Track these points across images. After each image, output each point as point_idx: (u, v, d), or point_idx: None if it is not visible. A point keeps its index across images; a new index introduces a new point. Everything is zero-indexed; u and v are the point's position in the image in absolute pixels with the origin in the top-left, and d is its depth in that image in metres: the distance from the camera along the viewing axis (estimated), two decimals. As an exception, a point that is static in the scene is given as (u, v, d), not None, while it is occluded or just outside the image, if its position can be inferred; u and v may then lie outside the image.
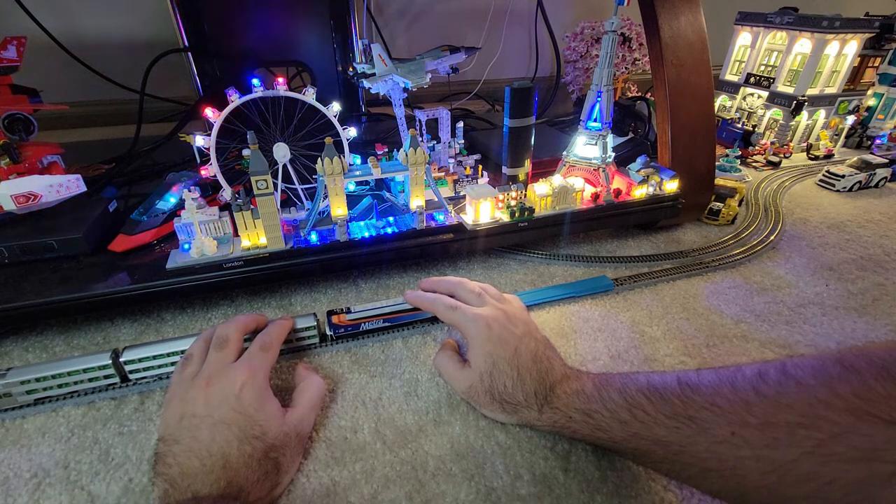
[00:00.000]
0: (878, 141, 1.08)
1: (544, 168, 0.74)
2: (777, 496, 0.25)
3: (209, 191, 0.63)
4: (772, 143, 1.06)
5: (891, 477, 0.21)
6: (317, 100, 0.55)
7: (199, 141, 0.52)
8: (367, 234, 0.56)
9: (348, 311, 0.49)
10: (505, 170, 0.67)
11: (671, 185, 0.66)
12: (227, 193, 0.56)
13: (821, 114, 1.07)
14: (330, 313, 0.49)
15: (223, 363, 0.38)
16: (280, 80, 0.53)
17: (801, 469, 0.24)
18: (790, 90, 1.03)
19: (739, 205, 0.78)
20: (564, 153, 0.68)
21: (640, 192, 0.66)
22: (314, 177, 0.56)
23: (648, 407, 0.31)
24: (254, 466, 0.32)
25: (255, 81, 0.52)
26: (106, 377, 0.43)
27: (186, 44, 0.90)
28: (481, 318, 0.41)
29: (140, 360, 0.43)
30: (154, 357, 0.43)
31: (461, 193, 0.65)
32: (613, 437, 0.33)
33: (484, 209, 0.58)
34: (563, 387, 0.37)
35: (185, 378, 0.37)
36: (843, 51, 0.99)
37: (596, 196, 0.64)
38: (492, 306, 0.44)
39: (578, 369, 0.40)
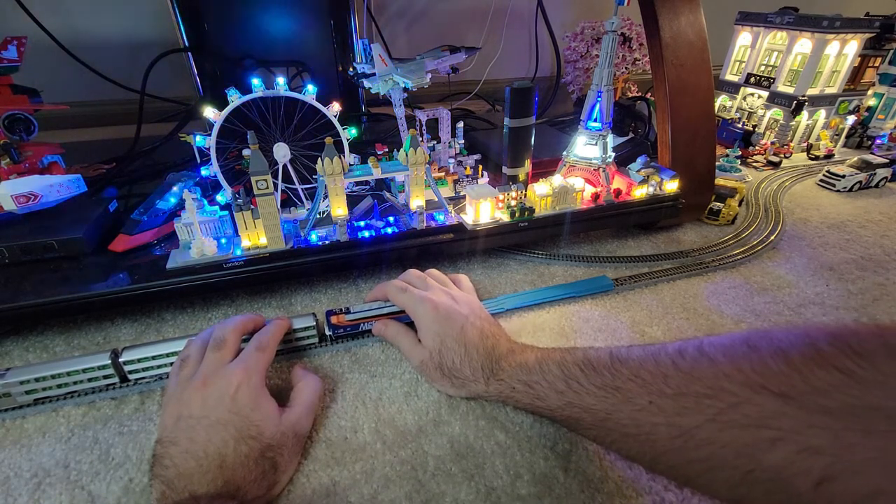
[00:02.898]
0: (878, 141, 1.08)
1: (544, 168, 0.74)
2: (681, 458, 0.28)
3: (209, 191, 0.63)
4: (772, 143, 1.06)
5: (774, 442, 0.24)
6: (317, 100, 0.55)
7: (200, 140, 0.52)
8: (367, 234, 0.56)
9: (347, 312, 0.49)
10: (505, 170, 0.67)
11: (671, 185, 0.66)
12: (221, 197, 0.56)
13: (821, 114, 1.07)
14: (329, 313, 0.49)
15: (219, 364, 0.38)
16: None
17: (702, 434, 0.27)
18: (790, 90, 1.03)
19: (739, 205, 0.78)
20: (564, 153, 0.68)
21: (640, 192, 0.66)
22: (314, 177, 0.56)
23: (582, 378, 0.35)
24: (250, 466, 0.32)
25: (255, 82, 0.52)
26: (105, 377, 0.43)
27: (186, 44, 0.90)
28: (428, 300, 0.45)
29: (139, 361, 0.43)
30: (153, 357, 0.43)
31: (461, 193, 0.65)
32: (550, 405, 0.36)
33: (484, 209, 0.58)
34: (508, 360, 0.40)
35: (182, 379, 0.37)
36: (844, 51, 0.99)
37: (596, 196, 0.64)
38: (437, 289, 0.48)
39: (524, 344, 0.43)
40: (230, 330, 0.41)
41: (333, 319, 0.48)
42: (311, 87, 0.54)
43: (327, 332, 0.49)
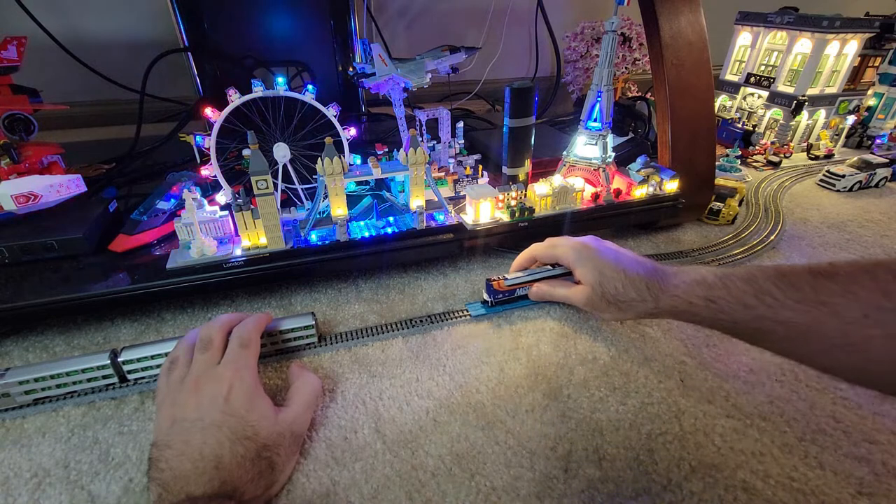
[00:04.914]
0: (878, 141, 1.08)
1: (544, 168, 0.74)
2: None
3: (209, 191, 0.63)
4: (772, 143, 1.06)
5: None
6: (316, 100, 0.55)
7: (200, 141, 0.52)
8: (367, 234, 0.56)
9: (505, 279, 0.53)
10: (505, 170, 0.67)
11: (671, 185, 0.66)
12: (221, 197, 0.56)
13: (821, 114, 1.07)
14: (489, 281, 0.53)
15: (209, 365, 0.38)
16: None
17: None
18: (790, 90, 1.03)
19: (739, 205, 0.78)
20: (564, 153, 0.68)
21: (640, 192, 0.66)
22: (314, 177, 0.56)
23: (777, 293, 0.34)
24: (247, 466, 0.32)
25: (256, 83, 0.52)
26: (104, 377, 0.43)
27: (186, 44, 0.90)
28: (577, 242, 0.50)
29: (138, 360, 0.43)
30: (152, 357, 0.43)
31: (461, 193, 0.65)
32: (735, 318, 0.36)
33: (484, 209, 0.58)
34: (678, 277, 0.42)
35: (173, 382, 0.37)
36: (844, 50, 0.99)
37: (596, 196, 0.64)
38: (578, 238, 0.51)
39: (688, 266, 0.44)
40: (216, 330, 0.41)
41: (494, 284, 0.52)
42: (310, 87, 0.54)
43: (487, 298, 0.53)
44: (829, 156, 1.06)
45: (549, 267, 0.54)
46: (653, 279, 0.43)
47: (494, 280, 0.53)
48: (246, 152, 0.54)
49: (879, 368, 0.30)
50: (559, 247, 0.51)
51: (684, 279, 0.41)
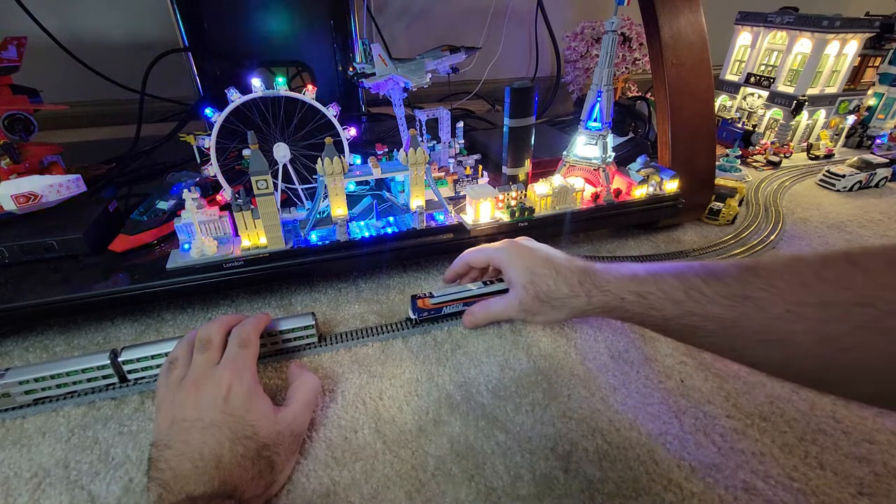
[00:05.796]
0: (878, 141, 1.08)
1: (544, 168, 0.74)
2: (821, 363, 0.28)
3: (209, 191, 0.63)
4: (772, 143, 1.06)
5: None
6: (316, 100, 0.55)
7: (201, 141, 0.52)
8: (367, 234, 0.56)
9: (431, 296, 0.51)
10: (505, 170, 0.67)
11: (671, 185, 0.66)
12: (227, 194, 0.56)
13: (821, 113, 1.07)
14: (414, 298, 0.51)
15: (208, 365, 0.38)
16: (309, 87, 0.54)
17: (850, 340, 0.27)
18: (790, 90, 1.03)
19: (739, 205, 0.78)
20: (564, 153, 0.68)
21: (640, 192, 0.66)
22: (314, 177, 0.56)
23: (704, 288, 0.34)
24: (247, 466, 0.32)
25: (255, 82, 0.52)
26: (105, 377, 0.43)
27: (186, 44, 0.90)
28: (504, 243, 0.48)
29: (138, 360, 0.43)
30: (152, 357, 0.43)
31: (461, 193, 0.65)
32: (665, 315, 0.36)
33: (484, 209, 0.58)
34: (609, 273, 0.41)
35: (172, 382, 0.37)
36: (844, 50, 0.99)
37: (596, 196, 0.64)
38: (508, 239, 0.50)
39: (616, 262, 0.43)
40: (215, 330, 0.40)
41: (419, 303, 0.50)
42: (310, 87, 0.54)
43: (412, 316, 0.51)
44: (829, 156, 1.06)
45: (482, 283, 0.52)
46: (584, 274, 0.42)
47: (420, 298, 0.51)
48: (246, 152, 0.54)
49: (803, 364, 0.30)
50: (488, 247, 0.50)
51: (616, 275, 0.41)
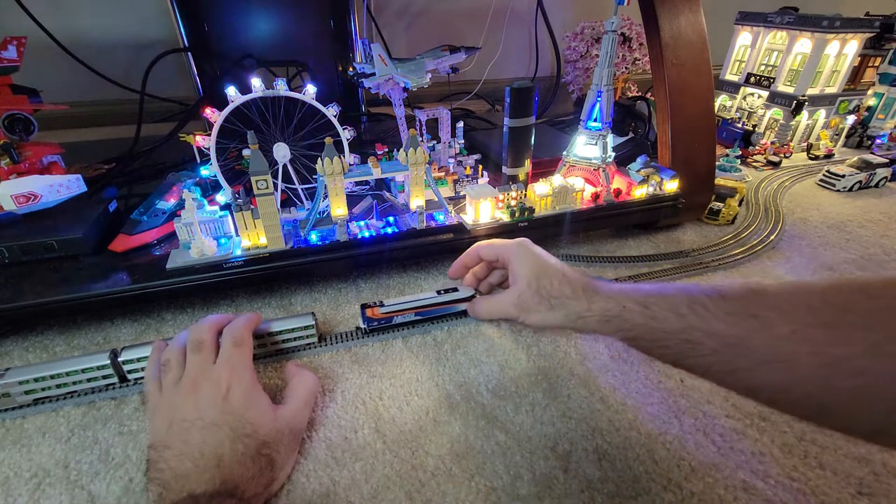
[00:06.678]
0: (878, 141, 1.08)
1: (544, 168, 0.74)
2: (824, 386, 0.28)
3: (209, 191, 0.63)
4: (772, 143, 1.06)
5: None
6: (316, 100, 0.55)
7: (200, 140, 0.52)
8: (367, 234, 0.56)
9: (381, 305, 0.50)
10: (505, 170, 0.67)
11: (671, 185, 0.66)
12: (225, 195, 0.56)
13: (821, 113, 1.07)
14: (364, 307, 0.50)
15: (204, 365, 0.38)
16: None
17: (855, 364, 0.26)
18: (790, 90, 1.03)
19: (739, 205, 0.78)
20: (564, 153, 0.68)
21: (640, 192, 0.66)
22: (314, 177, 0.56)
23: (709, 304, 0.33)
24: (247, 464, 0.33)
25: (255, 82, 0.52)
26: (105, 377, 0.43)
27: (186, 44, 0.90)
28: (516, 240, 0.47)
29: (138, 360, 0.43)
30: (154, 357, 0.43)
31: (461, 193, 0.65)
32: (667, 327, 0.35)
33: (484, 209, 0.58)
34: (613, 285, 0.40)
35: (168, 384, 0.37)
36: (844, 50, 0.99)
37: (596, 196, 0.64)
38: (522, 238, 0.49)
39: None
40: (206, 330, 0.40)
41: (368, 312, 0.49)
42: (310, 87, 0.54)
43: (362, 325, 0.49)
44: (829, 156, 1.06)
45: (435, 292, 0.51)
46: (589, 284, 0.41)
47: (369, 307, 0.49)
48: (246, 152, 0.54)
49: (806, 388, 0.29)
50: (501, 242, 0.49)
51: (620, 286, 0.40)
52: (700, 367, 0.35)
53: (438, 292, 0.51)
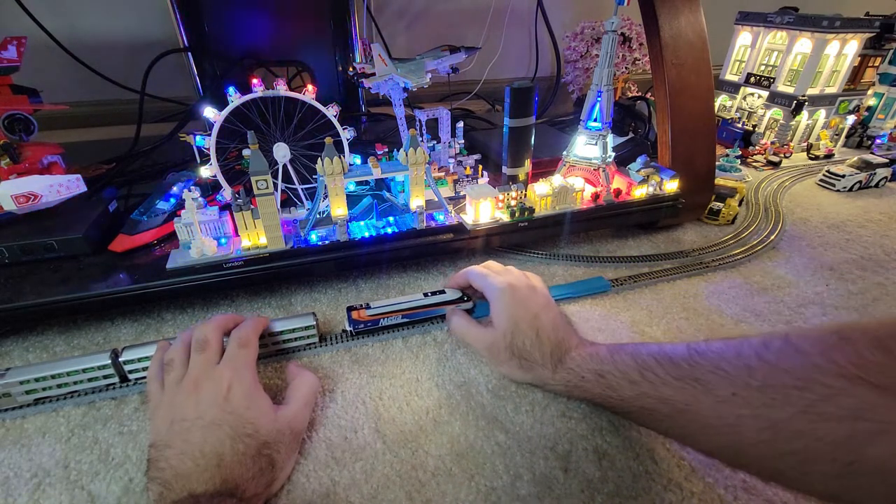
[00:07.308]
0: (878, 141, 1.08)
1: (544, 168, 0.74)
2: (771, 451, 0.27)
3: (209, 191, 0.63)
4: (772, 143, 1.06)
5: (874, 435, 0.23)
6: (316, 100, 0.55)
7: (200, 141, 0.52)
8: (367, 234, 0.56)
9: (367, 307, 0.49)
10: (505, 170, 0.67)
11: (671, 185, 0.66)
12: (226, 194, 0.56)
13: (821, 114, 1.07)
14: (349, 309, 0.49)
15: (207, 365, 0.38)
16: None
17: (794, 426, 0.26)
18: (790, 90, 1.03)
19: (739, 205, 0.78)
20: (564, 153, 0.68)
21: (640, 192, 0.66)
22: (314, 177, 0.56)
23: (658, 369, 0.34)
24: (248, 464, 0.33)
25: (255, 81, 0.52)
26: (105, 377, 0.43)
27: (186, 44, 0.90)
28: (507, 284, 0.46)
29: (139, 360, 0.43)
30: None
31: (461, 193, 0.65)
32: (622, 395, 0.36)
33: (484, 209, 0.58)
34: (577, 351, 0.41)
35: (170, 384, 0.37)
36: (844, 50, 0.99)
37: (596, 196, 0.64)
38: (517, 276, 0.48)
39: (593, 341, 0.43)
40: (211, 330, 0.40)
41: (354, 315, 0.49)
42: (310, 87, 0.54)
43: (348, 328, 0.49)
44: (829, 156, 1.06)
45: (423, 295, 0.51)
46: (559, 348, 0.41)
47: (355, 309, 0.49)
48: (246, 152, 0.54)
49: (754, 451, 0.29)
50: (491, 278, 0.47)
51: (582, 353, 0.40)
52: (661, 430, 0.36)
53: (425, 294, 0.51)
